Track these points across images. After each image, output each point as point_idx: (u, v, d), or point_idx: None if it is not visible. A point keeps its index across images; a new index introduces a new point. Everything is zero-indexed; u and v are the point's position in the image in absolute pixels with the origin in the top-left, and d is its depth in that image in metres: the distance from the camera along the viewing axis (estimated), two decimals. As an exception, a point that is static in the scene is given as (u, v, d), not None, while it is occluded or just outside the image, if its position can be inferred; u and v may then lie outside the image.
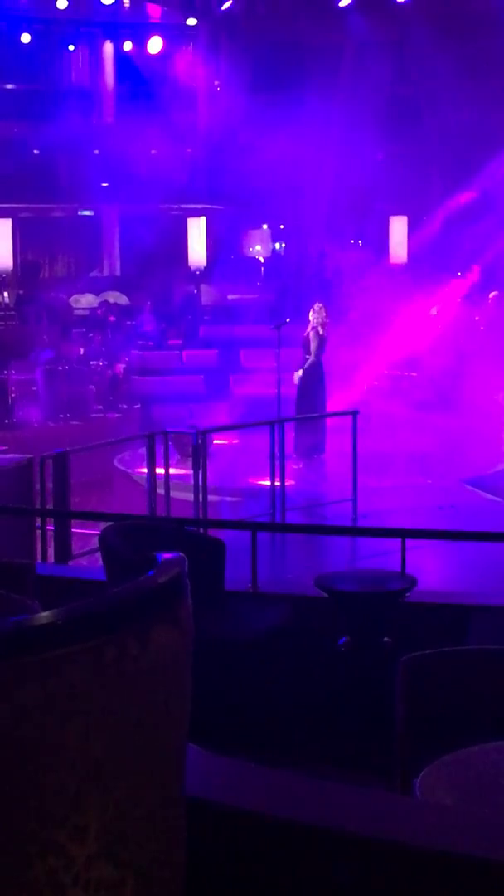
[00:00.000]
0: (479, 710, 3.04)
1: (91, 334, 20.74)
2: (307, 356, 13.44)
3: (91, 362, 18.82)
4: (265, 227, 28.04)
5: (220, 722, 4.63)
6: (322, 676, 5.44)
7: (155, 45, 25.85)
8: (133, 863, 1.29)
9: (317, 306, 13.66)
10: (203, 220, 23.67)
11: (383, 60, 23.86)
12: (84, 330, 21.08)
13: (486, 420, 13.96)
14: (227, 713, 5.02)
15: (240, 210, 25.23)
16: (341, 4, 24.14)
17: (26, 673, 1.19)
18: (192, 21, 25.90)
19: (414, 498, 10.66)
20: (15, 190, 23.85)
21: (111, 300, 23.33)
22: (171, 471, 9.29)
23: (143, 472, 9.56)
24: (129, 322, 21.76)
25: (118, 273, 26.09)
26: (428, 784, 2.31)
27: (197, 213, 24.13)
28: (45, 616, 1.24)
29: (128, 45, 26.01)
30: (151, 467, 8.95)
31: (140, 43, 25.96)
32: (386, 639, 5.16)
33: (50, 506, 7.96)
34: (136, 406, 17.24)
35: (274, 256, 28.27)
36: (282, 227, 28.16)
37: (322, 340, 13.45)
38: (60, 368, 17.63)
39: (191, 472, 9.21)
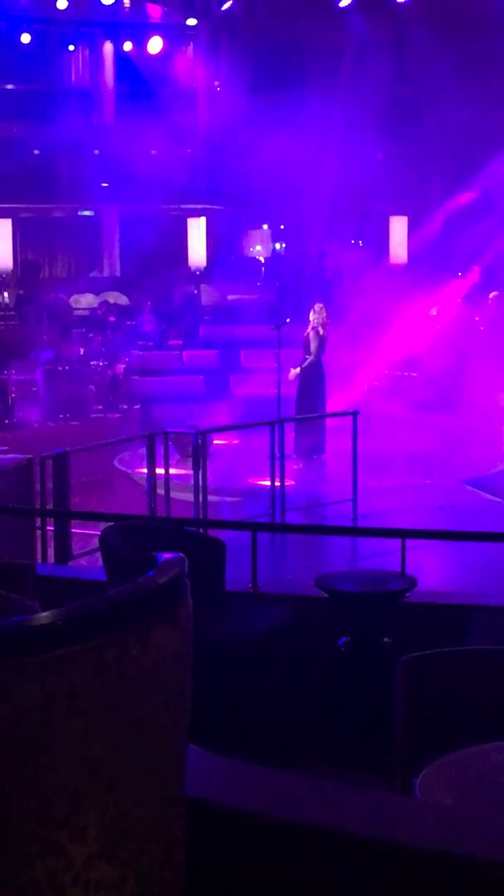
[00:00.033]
0: (479, 710, 3.04)
1: (91, 334, 20.74)
2: (307, 356, 13.45)
3: (91, 362, 18.82)
4: (265, 227, 28.05)
5: (220, 722, 4.63)
6: (322, 677, 5.44)
7: (155, 45, 25.86)
8: (133, 863, 1.29)
9: (317, 307, 13.66)
10: (203, 220, 23.67)
11: (383, 60, 23.85)
12: (84, 330, 21.08)
13: (486, 420, 13.96)
14: (227, 713, 5.02)
15: (240, 210, 25.23)
16: (341, 5, 24.14)
17: (26, 673, 1.19)
18: (192, 21, 25.90)
19: (414, 498, 10.66)
20: (15, 190, 23.85)
21: (111, 300, 23.33)
22: (172, 471, 9.30)
23: (143, 473, 9.55)
24: (129, 322, 21.76)
25: (118, 273, 26.09)
26: (428, 784, 2.31)
27: (197, 214, 24.13)
28: (45, 616, 1.25)
29: (128, 46, 26.01)
30: (151, 467, 8.95)
31: (140, 43, 25.96)
32: (386, 639, 5.16)
33: (50, 506, 7.96)
34: (136, 406, 17.24)
35: (274, 256, 28.27)
36: (282, 227, 28.16)
37: (322, 341, 13.45)
38: (60, 369, 17.63)
39: (191, 472, 9.21)
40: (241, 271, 25.40)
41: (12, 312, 22.55)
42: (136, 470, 11.95)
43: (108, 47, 26.00)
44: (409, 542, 5.79)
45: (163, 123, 24.59)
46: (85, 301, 23.79)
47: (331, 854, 1.58)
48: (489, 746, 2.51)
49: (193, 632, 1.38)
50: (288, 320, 14.04)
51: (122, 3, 25.57)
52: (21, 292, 24.03)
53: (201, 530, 7.18)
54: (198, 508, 8.96)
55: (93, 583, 6.01)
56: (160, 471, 8.99)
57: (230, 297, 24.14)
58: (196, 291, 23.63)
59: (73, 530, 7.99)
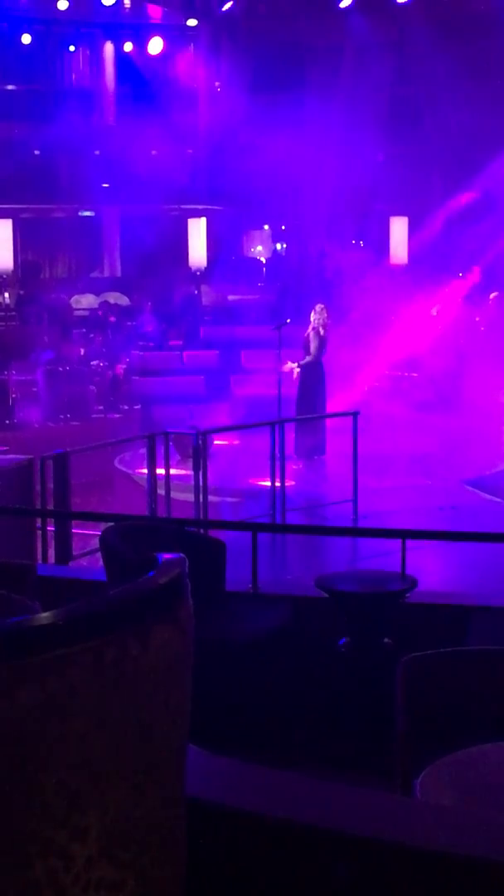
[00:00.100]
0: (479, 710, 3.04)
1: (91, 335, 20.74)
2: (307, 356, 13.46)
3: (91, 363, 18.81)
4: (266, 227, 28.05)
5: (220, 722, 4.63)
6: (322, 677, 5.44)
7: (155, 45, 25.86)
8: (133, 863, 1.30)
9: (318, 307, 13.67)
10: (203, 220, 23.67)
11: (384, 61, 23.86)
12: (84, 330, 21.08)
13: (486, 421, 13.97)
14: (227, 713, 5.02)
15: (240, 210, 25.24)
16: (342, 5, 24.14)
17: (26, 673, 1.19)
18: (192, 22, 25.90)
19: (414, 499, 10.66)
20: (15, 190, 23.85)
21: (112, 301, 23.33)
22: (172, 471, 9.30)
23: (144, 473, 9.56)
24: (129, 323, 21.76)
25: (119, 274, 26.09)
26: (428, 784, 2.31)
27: (197, 214, 24.13)
28: (45, 616, 1.25)
29: (128, 46, 26.02)
30: (152, 468, 8.95)
31: (140, 44, 25.96)
32: (386, 639, 5.16)
33: (50, 506, 7.96)
34: (136, 407, 17.24)
35: (275, 257, 28.27)
36: (283, 227, 28.16)
37: (322, 341, 13.46)
38: (61, 369, 17.63)
39: (191, 472, 9.21)
40: (242, 272, 25.41)
41: (13, 313, 22.55)
42: (136, 470, 11.95)
43: (109, 48, 26.01)
44: (410, 543, 5.79)
45: (163, 124, 24.59)
46: (85, 301, 23.79)
47: (331, 854, 1.58)
48: (489, 747, 2.51)
49: (194, 632, 1.38)
50: (288, 321, 14.05)
51: (123, 4, 25.58)
52: (21, 293, 24.03)
53: (202, 531, 7.19)
54: (198, 509, 8.96)
55: (93, 583, 6.01)
56: (160, 471, 9.00)
57: (231, 297, 24.15)
58: (196, 292, 23.63)
59: (73, 531, 7.99)
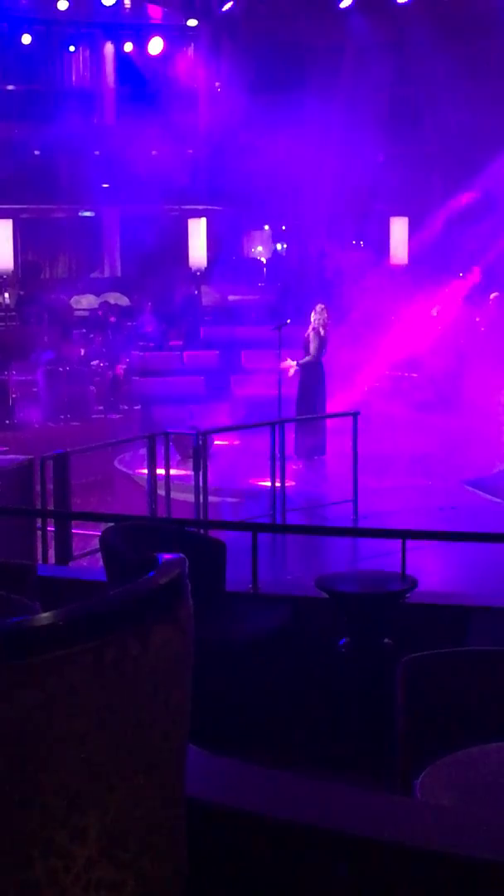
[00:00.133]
0: (479, 711, 3.04)
1: (92, 335, 20.74)
2: (306, 356, 13.47)
3: (92, 363, 18.81)
4: (267, 227, 28.05)
5: (220, 722, 4.63)
6: (322, 677, 5.44)
7: (156, 45, 25.85)
8: (133, 863, 1.30)
9: (318, 307, 13.68)
10: (203, 220, 23.67)
11: (384, 61, 23.84)
12: (85, 331, 21.08)
13: (486, 421, 13.96)
14: (227, 714, 5.02)
15: (240, 211, 25.24)
16: (342, 5, 24.14)
17: (27, 673, 1.19)
18: (192, 22, 25.89)
19: (414, 499, 10.66)
20: (15, 191, 23.85)
21: (112, 301, 23.33)
22: (172, 472, 9.30)
23: (144, 473, 9.56)
24: (129, 323, 21.76)
25: (119, 274, 26.09)
26: (428, 785, 2.31)
27: (198, 214, 24.13)
28: (45, 617, 1.25)
29: (128, 46, 26.01)
30: (152, 468, 8.95)
31: (141, 44, 25.96)
32: (386, 640, 5.16)
33: (50, 507, 7.96)
34: (136, 407, 17.24)
35: (275, 257, 28.27)
36: (283, 227, 28.16)
37: (322, 341, 13.46)
38: (61, 369, 17.63)
39: (191, 473, 9.21)
40: (242, 272, 25.40)
41: (13, 313, 22.55)
42: (136, 470, 11.95)
43: (109, 48, 26.00)
44: (410, 543, 5.78)
45: (163, 124, 24.58)
46: (86, 302, 23.79)
47: (331, 854, 1.58)
48: (490, 747, 2.51)
49: (194, 632, 1.39)
50: (288, 321, 14.05)
51: (123, 4, 25.58)
52: (22, 293, 24.03)
53: (202, 531, 7.18)
54: (198, 509, 8.97)
55: (93, 583, 6.01)
56: (161, 471, 9.00)
57: (231, 297, 24.14)
58: (197, 292, 23.64)
59: (73, 531, 7.99)
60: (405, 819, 1.67)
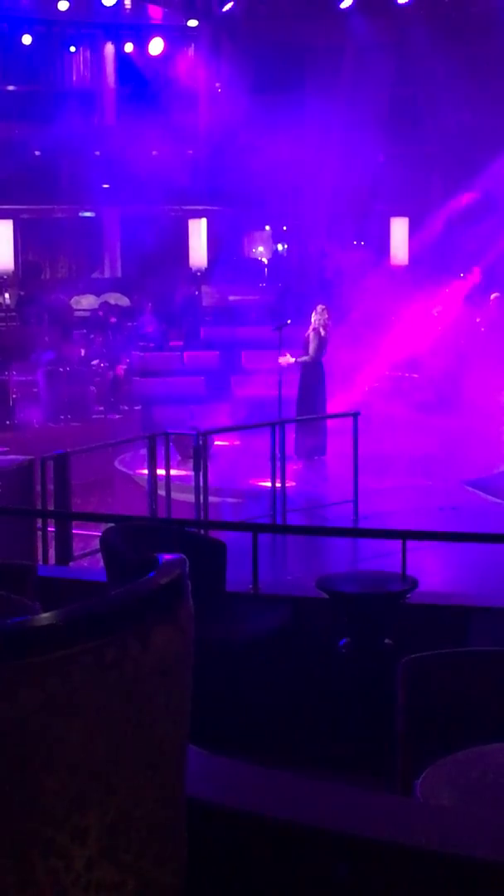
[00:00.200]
0: (479, 711, 3.05)
1: (92, 335, 20.73)
2: (305, 356, 13.48)
3: (92, 363, 18.81)
4: (267, 228, 28.05)
5: (221, 722, 4.63)
6: (323, 678, 5.44)
7: (156, 46, 25.85)
8: (133, 863, 1.30)
9: (319, 308, 13.69)
10: (204, 221, 23.66)
11: (384, 62, 23.84)
12: (85, 331, 21.07)
13: (487, 421, 13.96)
14: (227, 714, 5.02)
15: (241, 211, 25.23)
16: (342, 6, 24.14)
17: (27, 674, 1.19)
18: (193, 22, 25.89)
19: (415, 499, 10.66)
20: (16, 191, 23.84)
21: (112, 301, 23.33)
22: (172, 472, 9.30)
23: (144, 474, 9.56)
24: (129, 323, 21.75)
25: (119, 274, 26.09)
26: (428, 785, 2.31)
27: (198, 215, 24.13)
28: (46, 617, 1.25)
29: (129, 47, 26.01)
30: (152, 468, 8.95)
31: (141, 44, 25.95)
32: (387, 640, 5.16)
33: (51, 507, 7.97)
34: (136, 407, 17.24)
35: (275, 257, 28.28)
36: (284, 228, 28.16)
37: (322, 341, 13.47)
38: (61, 370, 17.63)
39: (192, 473, 9.21)
40: (242, 272, 25.40)
41: (13, 313, 22.54)
42: (136, 471, 11.95)
43: (110, 48, 26.00)
44: (410, 544, 5.79)
45: (164, 124, 24.58)
46: (86, 302, 23.79)
47: (331, 854, 1.58)
48: (490, 748, 2.51)
49: (194, 633, 1.39)
50: (289, 321, 14.05)
51: (124, 5, 25.57)
52: (22, 293, 24.02)
53: (202, 531, 7.19)
54: (199, 509, 8.97)
55: (94, 584, 6.02)
56: (161, 472, 9.00)
57: (231, 297, 24.14)
58: (197, 292, 23.63)
59: (73, 531, 7.99)
60: (405, 819, 1.67)
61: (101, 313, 22.41)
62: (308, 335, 13.51)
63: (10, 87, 25.60)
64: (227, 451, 12.65)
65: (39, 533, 7.53)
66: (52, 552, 7.59)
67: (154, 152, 25.06)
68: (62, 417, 16.62)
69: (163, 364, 18.89)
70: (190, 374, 17.90)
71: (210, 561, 5.52)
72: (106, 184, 24.46)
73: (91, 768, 1.24)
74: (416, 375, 17.50)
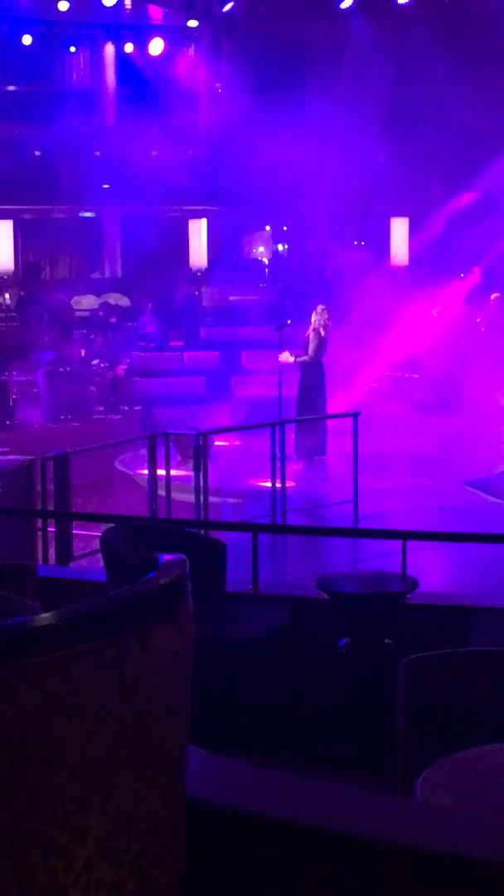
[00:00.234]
0: (479, 711, 3.05)
1: (92, 336, 20.73)
2: (304, 356, 13.49)
3: (92, 364, 18.81)
4: (268, 228, 28.05)
5: (221, 723, 4.63)
6: (323, 678, 5.44)
7: (156, 46, 25.85)
8: (133, 863, 1.30)
9: (319, 308, 13.69)
10: (204, 221, 23.66)
11: (384, 62, 23.85)
12: (85, 331, 21.08)
13: (487, 421, 13.96)
14: (227, 714, 5.02)
15: (241, 211, 25.24)
16: (342, 6, 24.14)
17: (27, 674, 1.19)
18: (193, 23, 25.89)
19: (415, 499, 10.66)
20: (16, 191, 23.84)
21: (112, 301, 23.33)
22: (172, 472, 9.30)
23: (144, 474, 9.56)
24: (130, 323, 21.76)
25: (119, 274, 26.09)
26: (429, 785, 2.31)
27: (198, 215, 24.13)
28: (46, 617, 1.25)
29: (129, 47, 26.01)
30: (152, 469, 8.95)
31: (141, 44, 25.96)
32: (387, 640, 5.16)
33: (51, 507, 7.97)
34: (137, 407, 17.24)
35: (276, 257, 28.28)
36: (284, 228, 28.16)
37: (322, 341, 13.47)
38: (61, 370, 17.63)
39: (192, 473, 9.21)
40: (243, 272, 25.41)
41: (13, 314, 22.55)
42: (137, 471, 11.95)
43: (110, 49, 26.00)
44: (410, 544, 5.79)
45: (164, 124, 24.58)
46: (86, 302, 23.79)
47: (331, 854, 1.58)
48: (490, 748, 2.51)
49: (194, 633, 1.39)
50: (289, 321, 14.06)
51: (124, 5, 25.57)
52: (22, 293, 24.03)
53: (202, 531, 7.19)
54: (199, 510, 8.97)
55: (94, 584, 6.02)
56: (161, 472, 9.00)
57: (231, 298, 24.15)
58: (197, 293, 23.63)
59: (74, 531, 7.99)
60: (405, 819, 1.67)
61: (101, 313, 22.42)
62: (308, 335, 13.51)
63: (10, 87, 25.61)
64: (227, 451, 12.65)
65: (39, 533, 7.53)
66: (52, 552, 7.59)
67: (154, 152, 25.07)
68: (62, 417, 16.62)
69: (163, 364, 18.89)
70: (190, 375, 17.90)
71: (210, 561, 5.53)
72: (106, 184, 24.46)
73: (91, 768, 1.24)
74: (416, 375, 17.50)
